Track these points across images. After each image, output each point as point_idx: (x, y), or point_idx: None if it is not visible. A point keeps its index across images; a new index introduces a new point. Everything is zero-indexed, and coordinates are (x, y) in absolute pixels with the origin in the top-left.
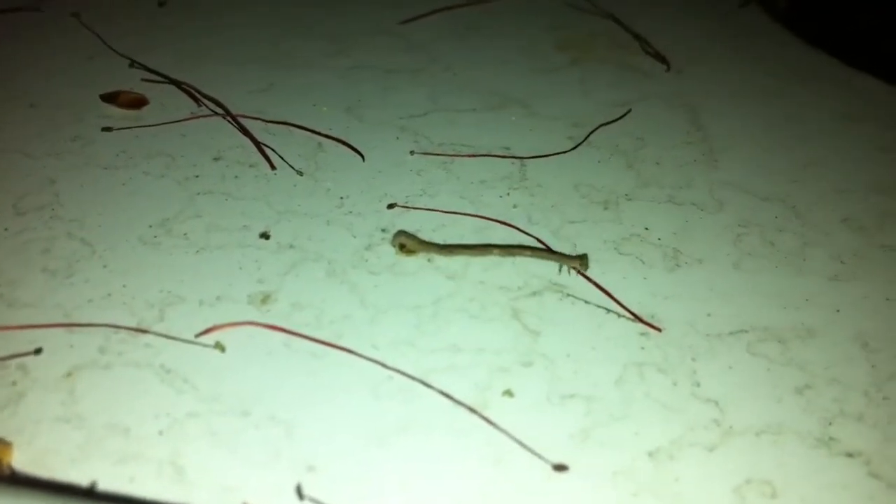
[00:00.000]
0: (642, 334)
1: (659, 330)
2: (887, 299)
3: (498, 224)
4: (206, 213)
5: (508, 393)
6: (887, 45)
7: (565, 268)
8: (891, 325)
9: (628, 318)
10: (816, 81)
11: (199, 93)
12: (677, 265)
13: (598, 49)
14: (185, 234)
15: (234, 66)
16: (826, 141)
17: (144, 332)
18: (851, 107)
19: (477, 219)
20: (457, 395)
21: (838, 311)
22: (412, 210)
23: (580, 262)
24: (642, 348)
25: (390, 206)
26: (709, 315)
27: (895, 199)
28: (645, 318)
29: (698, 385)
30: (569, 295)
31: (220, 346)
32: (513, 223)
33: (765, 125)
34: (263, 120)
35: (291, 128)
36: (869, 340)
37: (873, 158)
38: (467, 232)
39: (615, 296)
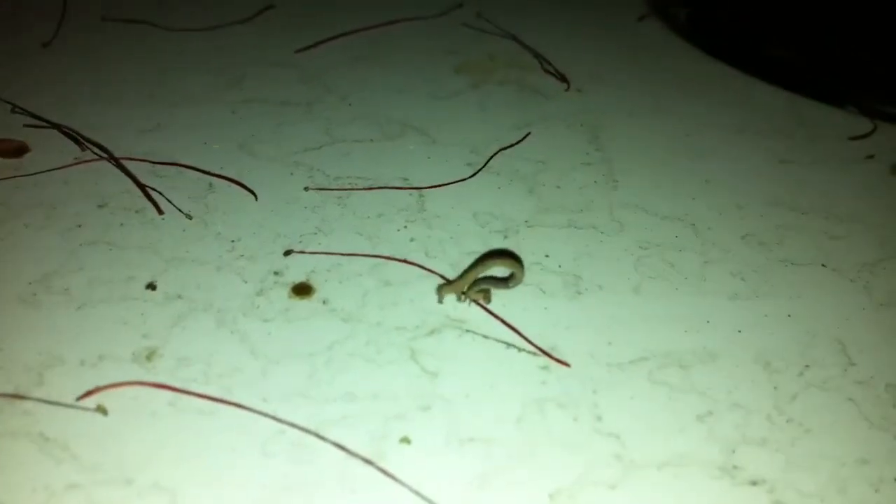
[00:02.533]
0: (543, 368)
1: (568, 365)
2: (789, 316)
3: (396, 262)
4: (89, 265)
5: (405, 440)
6: (783, 52)
7: (465, 302)
8: (793, 343)
9: (529, 352)
10: (716, 94)
11: (82, 137)
12: (578, 293)
13: (498, 71)
14: (66, 290)
15: (121, 107)
16: (726, 155)
17: (22, 398)
18: (751, 118)
19: (374, 258)
20: (351, 447)
21: (740, 331)
22: (308, 254)
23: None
24: (543, 383)
25: (286, 254)
26: (609, 344)
27: (794, 212)
28: (552, 353)
29: (599, 419)
30: (468, 331)
31: (101, 410)
32: (411, 259)
33: (664, 141)
34: (151, 162)
35: (181, 168)
36: (771, 360)
37: (773, 170)
38: (364, 270)
39: (518, 329)
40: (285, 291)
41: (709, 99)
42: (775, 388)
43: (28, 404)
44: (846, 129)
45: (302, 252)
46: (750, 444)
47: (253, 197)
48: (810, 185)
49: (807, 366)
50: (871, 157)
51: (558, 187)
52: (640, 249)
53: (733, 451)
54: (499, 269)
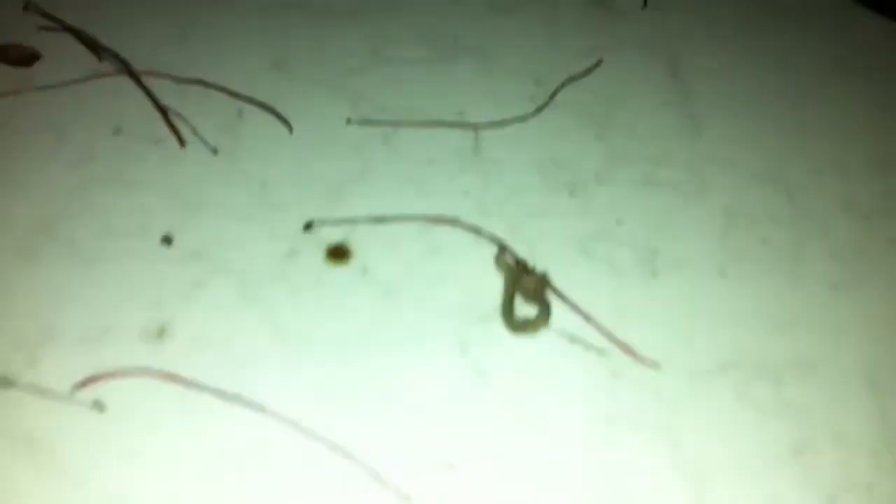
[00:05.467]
0: (615, 374)
1: (657, 368)
2: None
3: (446, 225)
4: (100, 208)
5: (450, 468)
6: None
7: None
8: None
9: (598, 350)
10: (814, 19)
11: (101, 46)
12: (654, 272)
13: None
14: (71, 240)
15: (143, 8)
16: (823, 98)
17: (10, 383)
18: (851, 53)
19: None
20: (384, 474)
21: (841, 333)
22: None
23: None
24: (612, 392)
25: (307, 228)
26: (691, 343)
27: None
28: (636, 352)
29: (677, 445)
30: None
31: (98, 406)
32: (463, 218)
33: (755, 76)
34: (174, 78)
35: (207, 89)
36: (878, 375)
37: (874, 121)
38: (411, 231)
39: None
40: (319, 253)
41: (804, 25)
42: (883, 414)
43: (16, 393)
44: None
45: (324, 225)
46: (853, 492)
47: (288, 128)
48: None
49: None
50: None
51: (632, 132)
52: (726, 217)
53: (833, 501)
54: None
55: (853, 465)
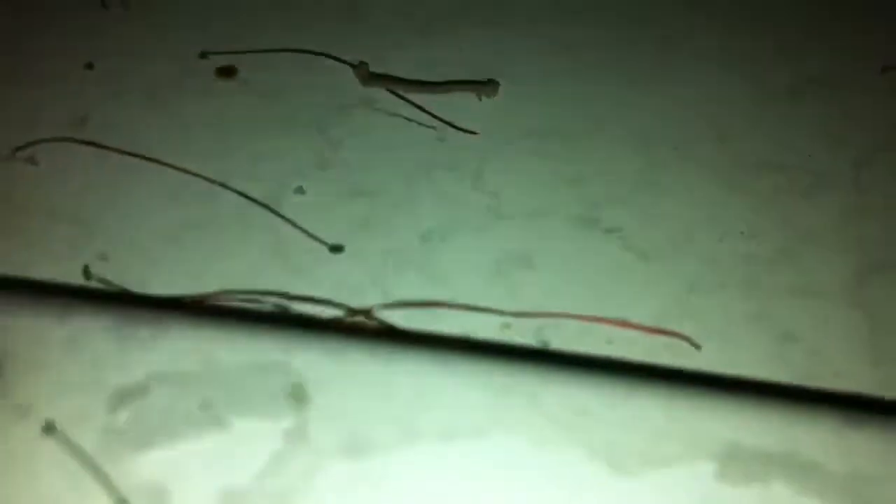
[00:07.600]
0: (439, 140)
1: (475, 133)
2: None
3: None
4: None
5: (300, 191)
6: None
7: None
8: None
9: (427, 126)
10: None
11: None
12: None
13: None
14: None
15: None
16: None
17: None
18: None
19: None
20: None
21: None
22: None
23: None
24: (434, 150)
25: None
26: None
27: None
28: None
29: (480, 178)
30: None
31: (32, 161)
32: None
33: None
34: None
35: None
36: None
37: None
38: None
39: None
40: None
41: None
42: (648, 161)
43: None
44: None
45: None
46: (612, 202)
47: None
48: None
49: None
50: None
51: None
52: None
53: (597, 205)
54: None
55: (614, 187)
